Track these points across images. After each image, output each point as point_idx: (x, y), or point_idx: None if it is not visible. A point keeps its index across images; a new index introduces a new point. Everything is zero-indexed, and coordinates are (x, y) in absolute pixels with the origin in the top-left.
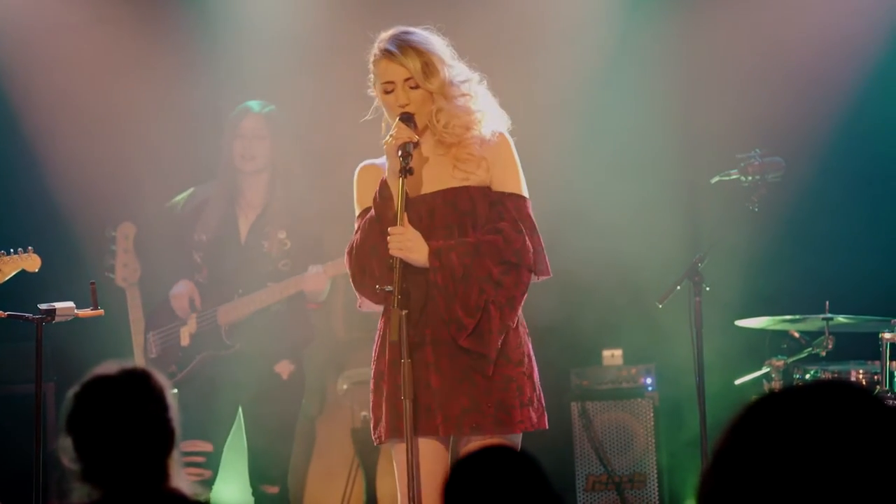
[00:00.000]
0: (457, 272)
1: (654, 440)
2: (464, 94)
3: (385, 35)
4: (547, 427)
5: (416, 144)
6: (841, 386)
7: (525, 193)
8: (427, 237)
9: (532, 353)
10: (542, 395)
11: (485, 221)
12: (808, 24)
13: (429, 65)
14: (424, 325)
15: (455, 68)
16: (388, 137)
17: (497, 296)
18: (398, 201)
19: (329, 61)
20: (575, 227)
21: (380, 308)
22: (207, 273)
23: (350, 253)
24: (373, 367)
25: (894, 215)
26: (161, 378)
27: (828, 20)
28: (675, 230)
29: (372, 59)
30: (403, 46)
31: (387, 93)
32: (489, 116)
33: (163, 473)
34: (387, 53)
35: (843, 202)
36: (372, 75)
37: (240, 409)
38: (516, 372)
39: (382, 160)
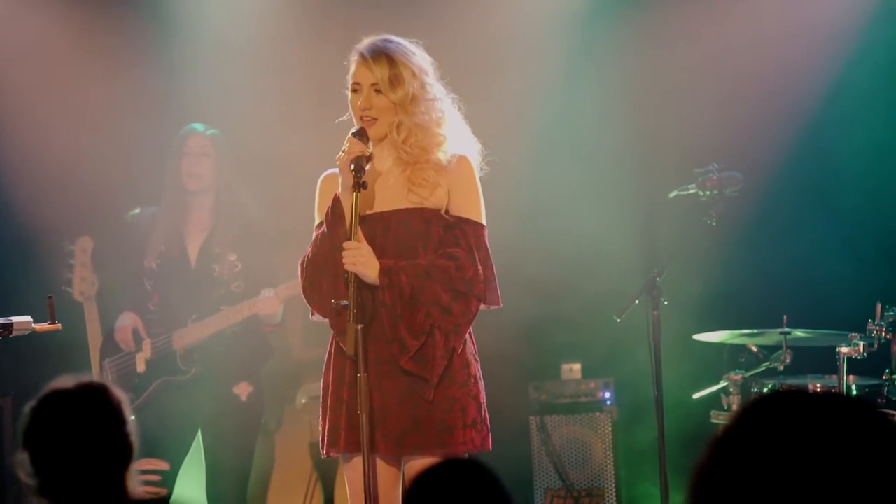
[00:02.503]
0: (405, 293)
1: (612, 454)
2: (427, 112)
3: (366, 39)
4: (490, 449)
5: (369, 158)
6: (852, 402)
7: (483, 221)
8: (379, 255)
9: (480, 375)
10: (487, 416)
11: (438, 244)
12: (764, 40)
13: (397, 76)
14: (368, 342)
15: (430, 87)
16: (340, 153)
17: (443, 322)
18: (352, 216)
19: (279, 83)
20: (534, 241)
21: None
22: (159, 299)
23: (303, 265)
24: (321, 381)
25: (851, 230)
26: (118, 392)
27: (784, 36)
28: (633, 244)
29: (350, 60)
30: (377, 53)
31: (353, 92)
32: (454, 141)
33: (120, 487)
34: (360, 56)
35: (800, 217)
36: (348, 76)
37: (199, 432)
38: (460, 393)
39: None
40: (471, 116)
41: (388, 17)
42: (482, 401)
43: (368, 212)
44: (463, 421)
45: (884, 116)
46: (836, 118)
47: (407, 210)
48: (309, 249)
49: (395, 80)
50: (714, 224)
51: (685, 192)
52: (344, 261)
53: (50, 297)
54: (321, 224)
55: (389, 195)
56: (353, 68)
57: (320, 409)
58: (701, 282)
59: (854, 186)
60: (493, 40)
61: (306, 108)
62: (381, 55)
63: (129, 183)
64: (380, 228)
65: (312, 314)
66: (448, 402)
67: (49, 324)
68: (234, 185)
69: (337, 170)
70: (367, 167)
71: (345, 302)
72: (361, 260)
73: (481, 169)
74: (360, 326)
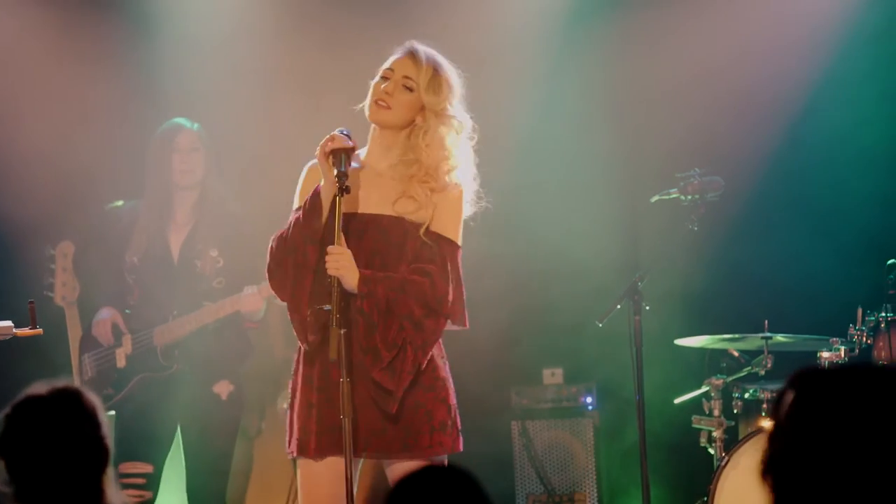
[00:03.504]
0: (381, 304)
1: (594, 459)
2: (450, 131)
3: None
4: (461, 450)
5: (352, 151)
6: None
7: (460, 242)
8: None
9: (449, 377)
10: (458, 418)
11: (412, 258)
12: (746, 44)
13: (438, 84)
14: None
15: (459, 111)
16: (321, 144)
17: (415, 336)
18: (336, 220)
19: (261, 79)
20: (515, 246)
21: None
22: (140, 294)
23: (273, 244)
24: (290, 382)
25: (833, 235)
26: (92, 396)
27: (766, 39)
28: (614, 249)
29: (396, 50)
30: (428, 55)
31: (383, 78)
32: (460, 172)
33: (98, 492)
34: (409, 51)
35: (781, 221)
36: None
37: (178, 430)
38: (427, 397)
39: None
40: None
41: (368, 20)
42: (452, 402)
43: (349, 210)
44: (430, 425)
45: (868, 119)
46: (818, 123)
47: (389, 218)
48: (281, 231)
49: (435, 86)
50: (695, 229)
51: (667, 197)
52: (327, 265)
53: (31, 303)
54: (299, 209)
55: (375, 198)
56: (392, 60)
57: (288, 411)
58: (682, 286)
59: (835, 192)
60: (474, 44)
61: (288, 103)
62: (432, 59)
63: (111, 184)
64: (356, 230)
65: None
66: (414, 406)
67: (30, 329)
68: (217, 181)
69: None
70: (347, 164)
71: (328, 306)
72: (345, 265)
73: (475, 206)
74: (343, 331)
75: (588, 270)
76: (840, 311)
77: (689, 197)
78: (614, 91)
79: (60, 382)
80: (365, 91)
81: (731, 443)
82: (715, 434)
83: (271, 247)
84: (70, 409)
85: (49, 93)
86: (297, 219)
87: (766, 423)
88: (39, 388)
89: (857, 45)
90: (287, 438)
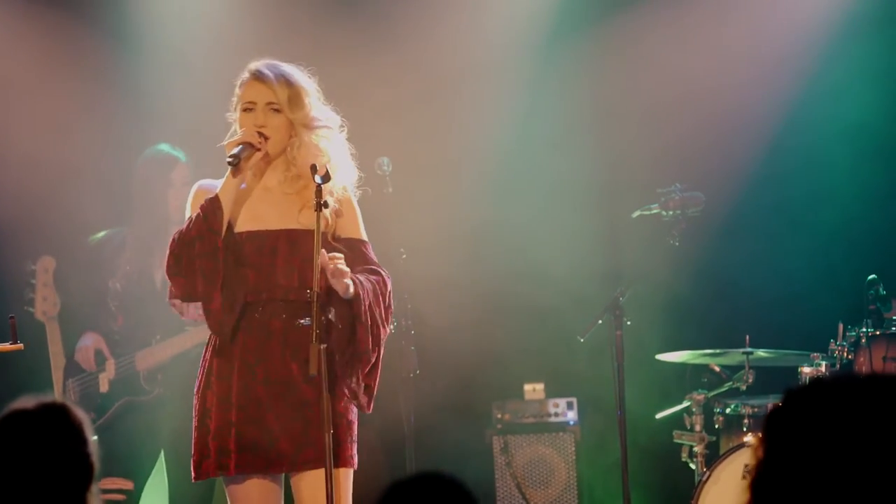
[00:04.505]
0: (366, 307)
1: (575, 474)
2: (320, 135)
3: (256, 62)
4: (356, 467)
5: (255, 149)
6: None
7: (366, 238)
8: (267, 274)
9: None
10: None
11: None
12: (725, 59)
13: (297, 96)
14: (257, 363)
15: (322, 110)
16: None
17: (382, 334)
18: (315, 237)
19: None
20: (496, 261)
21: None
22: (123, 320)
23: (175, 238)
24: (196, 402)
25: (813, 250)
26: (79, 412)
27: (746, 56)
28: (596, 264)
29: (240, 82)
30: (275, 73)
31: (246, 111)
32: (341, 168)
33: None
34: (257, 75)
35: (762, 237)
36: (235, 98)
37: (161, 453)
38: (346, 408)
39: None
40: (430, 138)
41: (350, 41)
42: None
43: (255, 228)
44: (350, 436)
45: (850, 132)
46: (799, 138)
47: (297, 232)
48: (180, 230)
49: (295, 100)
50: (677, 244)
51: (648, 212)
52: (335, 265)
53: (12, 318)
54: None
55: (276, 214)
56: (245, 89)
57: (195, 432)
58: (664, 301)
59: (816, 207)
60: (456, 59)
61: None
62: (280, 75)
63: (93, 201)
64: (268, 247)
65: (170, 297)
66: (337, 416)
67: (11, 344)
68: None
69: (212, 180)
70: (261, 185)
71: (307, 321)
72: (348, 272)
73: (356, 194)
74: (323, 346)
75: (569, 285)
76: (821, 326)
77: (671, 212)
78: (596, 106)
79: (48, 397)
80: (348, 104)
81: (713, 458)
82: (696, 449)
83: (171, 243)
84: (57, 424)
85: (30, 110)
86: (198, 215)
87: (749, 439)
88: (26, 402)
89: (837, 59)
90: (193, 461)
